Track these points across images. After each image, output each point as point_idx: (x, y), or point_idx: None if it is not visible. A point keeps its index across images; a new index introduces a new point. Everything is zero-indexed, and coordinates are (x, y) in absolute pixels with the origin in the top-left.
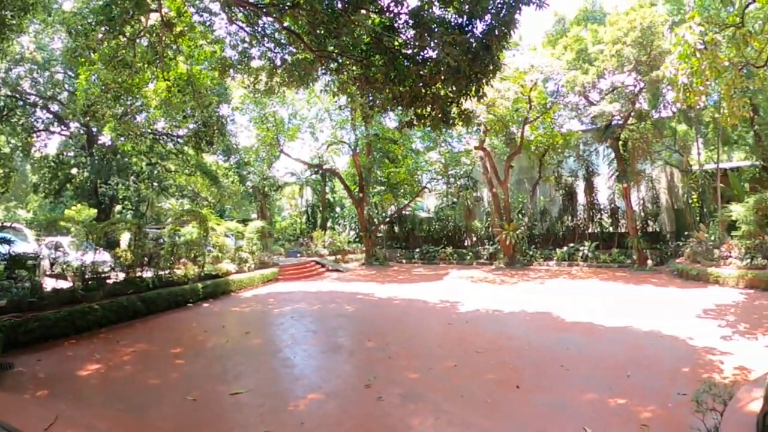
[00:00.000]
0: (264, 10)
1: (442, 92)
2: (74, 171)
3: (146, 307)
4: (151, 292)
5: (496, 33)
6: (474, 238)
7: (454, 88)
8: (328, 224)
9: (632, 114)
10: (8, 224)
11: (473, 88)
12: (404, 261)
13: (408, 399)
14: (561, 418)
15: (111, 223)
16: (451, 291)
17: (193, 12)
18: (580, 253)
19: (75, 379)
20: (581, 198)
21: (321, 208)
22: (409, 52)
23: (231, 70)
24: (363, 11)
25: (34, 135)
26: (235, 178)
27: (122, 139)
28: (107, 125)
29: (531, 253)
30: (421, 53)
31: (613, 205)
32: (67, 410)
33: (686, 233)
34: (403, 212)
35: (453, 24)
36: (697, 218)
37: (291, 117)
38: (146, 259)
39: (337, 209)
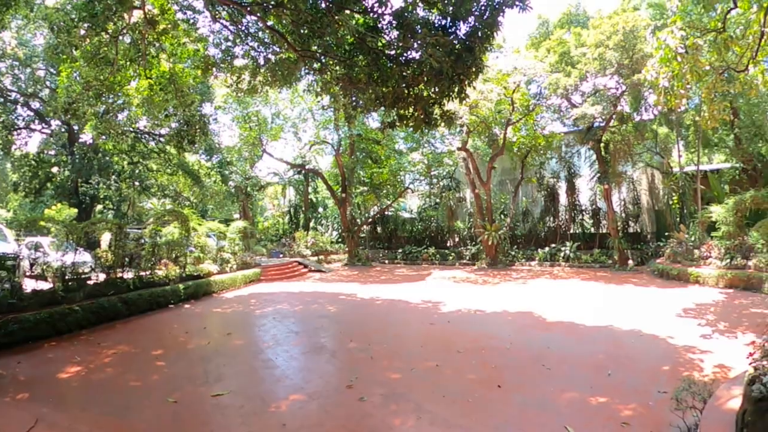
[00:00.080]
0: (248, 8)
1: (425, 93)
2: (55, 170)
3: (127, 309)
4: (132, 293)
5: (480, 35)
6: (456, 239)
7: (437, 89)
8: (311, 224)
9: (614, 116)
10: None
11: (456, 90)
12: (387, 261)
13: (390, 399)
14: (542, 417)
15: (91, 222)
16: (433, 291)
17: (177, 9)
18: (562, 254)
19: (55, 382)
20: (563, 199)
21: (304, 209)
22: (393, 52)
23: (214, 69)
24: (347, 11)
25: (15, 133)
26: (218, 177)
27: (103, 137)
28: (88, 123)
29: (513, 253)
30: (405, 54)
31: (594, 206)
32: (48, 413)
33: (667, 234)
34: (386, 213)
35: (436, 25)
36: (678, 219)
37: (274, 116)
38: (127, 259)
39: (320, 209)
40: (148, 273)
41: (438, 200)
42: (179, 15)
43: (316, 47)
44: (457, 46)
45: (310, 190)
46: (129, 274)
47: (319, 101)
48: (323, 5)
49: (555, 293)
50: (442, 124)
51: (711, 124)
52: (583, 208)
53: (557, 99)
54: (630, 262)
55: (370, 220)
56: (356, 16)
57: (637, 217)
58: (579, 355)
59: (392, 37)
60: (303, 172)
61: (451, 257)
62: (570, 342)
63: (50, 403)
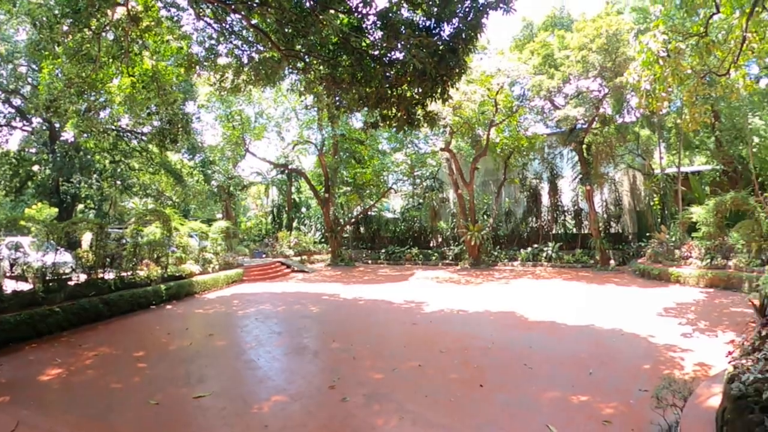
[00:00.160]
0: (232, 6)
1: (408, 94)
2: (36, 168)
3: (108, 310)
4: (114, 294)
5: (463, 36)
6: (439, 239)
7: (420, 90)
8: (294, 224)
9: (596, 118)
10: None
11: (439, 90)
12: (370, 261)
13: (372, 399)
14: (524, 416)
15: (72, 222)
16: (416, 291)
17: (161, 6)
18: (544, 254)
19: (37, 385)
20: (545, 200)
21: (287, 209)
22: (376, 53)
23: (197, 67)
24: (331, 11)
25: None
26: (200, 177)
27: (85, 135)
28: (70, 121)
29: (496, 253)
30: (388, 54)
31: (576, 207)
32: (29, 416)
33: (648, 234)
34: (369, 213)
35: (421, 26)
36: (659, 220)
37: (257, 116)
38: (108, 260)
39: (303, 209)
40: (129, 273)
41: (421, 200)
42: (163, 12)
43: (300, 46)
44: (440, 47)
45: (293, 190)
46: (110, 275)
47: (302, 101)
48: (307, 4)
49: (537, 293)
50: (425, 124)
51: (692, 126)
52: (566, 208)
53: (540, 101)
54: (612, 262)
55: (354, 220)
56: (340, 15)
57: (619, 218)
58: (561, 354)
59: (376, 37)
60: (286, 171)
61: (434, 257)
62: (552, 341)
63: (31, 406)
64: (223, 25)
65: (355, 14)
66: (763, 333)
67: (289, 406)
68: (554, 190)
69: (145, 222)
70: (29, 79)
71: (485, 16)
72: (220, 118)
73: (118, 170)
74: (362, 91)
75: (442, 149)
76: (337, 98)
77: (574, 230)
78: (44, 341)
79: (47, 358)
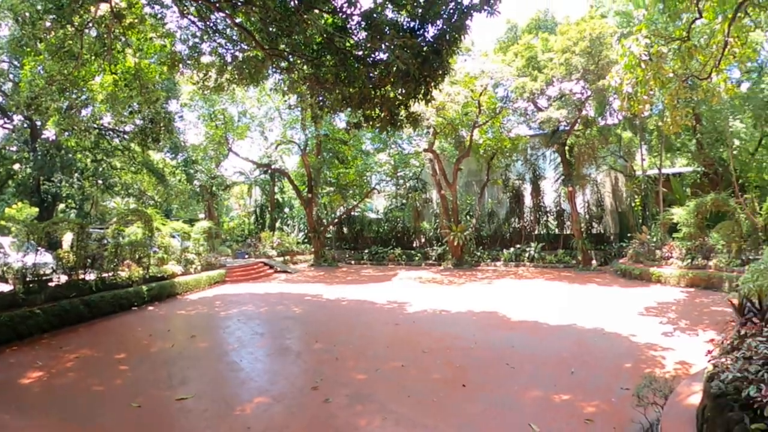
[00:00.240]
0: (216, 4)
1: (391, 94)
2: (16, 167)
3: (90, 311)
4: (95, 295)
5: (447, 38)
6: (422, 240)
7: (403, 91)
8: (277, 225)
9: (579, 120)
10: None
11: (422, 91)
12: (353, 262)
13: (355, 400)
14: (507, 415)
15: (53, 222)
16: (399, 292)
17: (145, 3)
18: (527, 254)
19: (17, 388)
20: (528, 200)
21: (270, 209)
22: (360, 53)
23: (180, 65)
24: (316, 10)
25: None
26: (183, 176)
27: (67, 133)
28: (51, 119)
29: (479, 254)
30: (372, 55)
31: (558, 208)
32: (9, 420)
33: (629, 235)
34: (353, 213)
35: (405, 27)
36: (640, 221)
37: (240, 115)
38: (89, 260)
39: (286, 210)
40: (110, 274)
41: (404, 201)
42: (147, 9)
43: (284, 46)
44: (424, 49)
45: (276, 190)
46: (91, 276)
47: (286, 100)
48: (292, 4)
49: (519, 293)
50: (408, 125)
51: (673, 129)
52: (548, 209)
53: (523, 102)
54: (593, 262)
55: (337, 220)
56: (325, 15)
57: (601, 219)
58: (543, 353)
59: (360, 37)
60: (269, 171)
61: (417, 258)
62: (534, 341)
63: (11, 410)
64: (207, 23)
65: (340, 14)
66: (742, 332)
67: (271, 408)
68: (537, 191)
69: (126, 222)
70: (11, 76)
71: (469, 17)
72: (203, 117)
73: (100, 169)
74: (346, 91)
75: (425, 150)
76: (320, 98)
77: (557, 231)
78: (25, 343)
79: (28, 361)
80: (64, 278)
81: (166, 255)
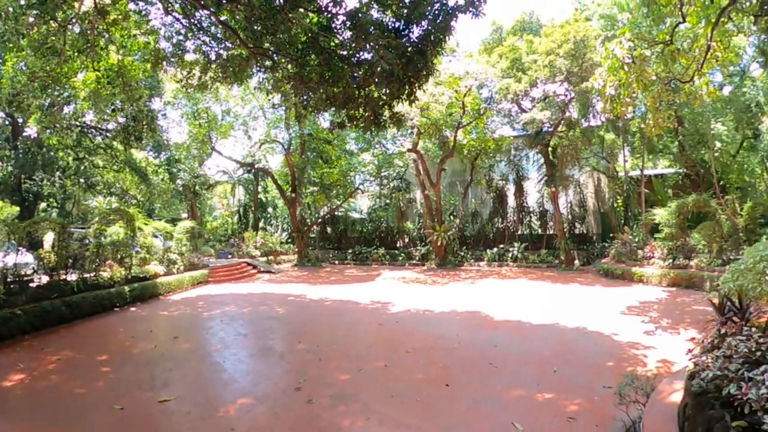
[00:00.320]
0: (201, 2)
1: (375, 94)
2: None
3: (71, 312)
4: (76, 296)
5: (432, 38)
6: (406, 239)
7: (387, 91)
8: (260, 225)
9: (562, 122)
10: None
11: (406, 92)
12: (337, 262)
13: (339, 400)
14: (490, 415)
15: (34, 222)
16: (382, 292)
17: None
18: (510, 254)
19: None
20: (511, 201)
21: (253, 208)
22: (345, 53)
23: (164, 63)
24: (301, 9)
25: None
26: (165, 175)
27: (49, 131)
28: (33, 116)
29: (462, 253)
30: (357, 55)
31: (542, 208)
32: None
33: (612, 235)
34: (336, 213)
35: (390, 27)
36: (622, 221)
37: (224, 114)
38: (71, 260)
39: (270, 209)
40: (92, 275)
41: (388, 201)
42: (131, 5)
43: (268, 44)
44: (409, 49)
45: (259, 189)
46: (73, 276)
47: (270, 99)
48: (277, 2)
49: (503, 293)
50: (392, 125)
51: (656, 131)
52: (531, 209)
53: (507, 104)
54: (576, 262)
55: (320, 220)
56: (310, 14)
57: (583, 219)
58: (526, 353)
59: (345, 37)
60: (253, 171)
61: (400, 258)
62: (517, 340)
63: None
64: (192, 20)
65: (325, 13)
66: (723, 331)
67: (255, 409)
68: (520, 192)
69: (108, 221)
70: None
71: (454, 19)
72: (187, 115)
73: (82, 168)
74: (330, 90)
75: (409, 150)
76: (304, 97)
77: (540, 231)
78: (6, 345)
79: (9, 363)
80: (45, 279)
81: (148, 255)
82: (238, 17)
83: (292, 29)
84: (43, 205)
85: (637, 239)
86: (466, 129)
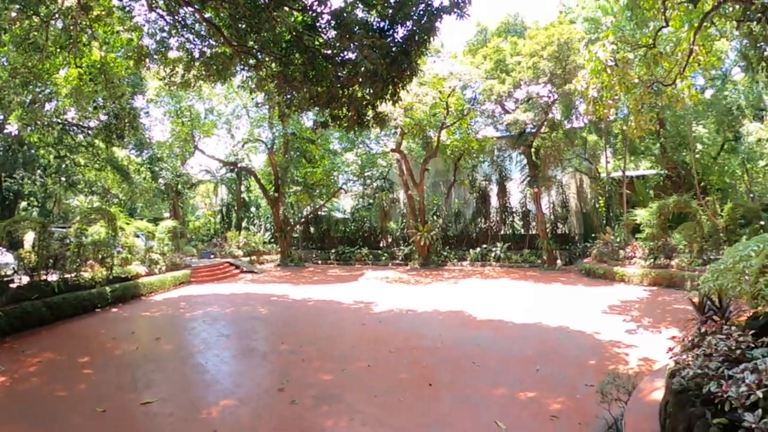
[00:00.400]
0: None
1: (359, 94)
2: None
3: (52, 313)
4: (57, 297)
5: (416, 39)
6: (389, 239)
7: (371, 91)
8: (243, 224)
9: (545, 123)
10: None
11: (389, 92)
12: (320, 262)
13: (322, 401)
14: (473, 413)
15: (14, 221)
16: (365, 292)
17: None
18: (493, 254)
19: None
20: (494, 201)
21: (236, 208)
22: (329, 52)
23: (147, 60)
24: (286, 8)
25: None
26: (147, 174)
27: (29, 129)
28: (14, 113)
29: (445, 253)
30: (341, 54)
31: (524, 209)
32: None
33: (593, 235)
34: (319, 213)
35: (374, 27)
36: (604, 221)
37: (207, 112)
38: (51, 261)
39: (253, 209)
40: (73, 275)
41: (371, 201)
42: (115, 1)
43: (252, 43)
44: (393, 49)
45: (242, 188)
46: (54, 277)
47: (253, 98)
48: (262, 0)
49: (485, 292)
50: (375, 125)
51: (638, 133)
52: (514, 210)
53: (491, 104)
54: (558, 261)
55: (303, 220)
56: (295, 13)
57: (566, 219)
58: (508, 352)
59: (329, 36)
60: (236, 170)
61: (383, 257)
62: (500, 340)
63: None
64: (176, 17)
65: (310, 12)
66: (703, 330)
67: (237, 410)
68: (503, 192)
69: (89, 221)
70: None
71: (439, 19)
72: (170, 113)
73: (63, 166)
74: (313, 90)
75: (392, 150)
76: (288, 96)
77: (522, 231)
78: None
79: None
80: (25, 279)
81: (130, 255)
82: (222, 15)
83: (277, 28)
84: (23, 204)
85: (618, 239)
86: (449, 129)
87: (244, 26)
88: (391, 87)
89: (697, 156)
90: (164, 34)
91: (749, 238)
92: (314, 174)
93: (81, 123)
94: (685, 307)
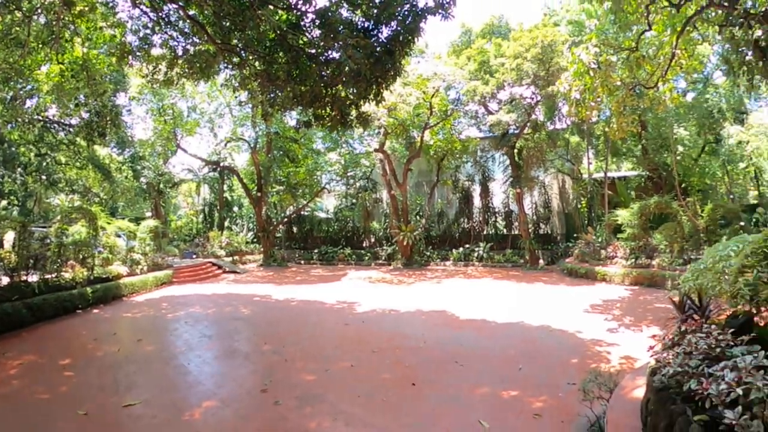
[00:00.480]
0: None
1: (342, 94)
2: None
3: (32, 315)
4: (38, 298)
5: (401, 39)
6: (372, 239)
7: (355, 91)
8: (226, 224)
9: (528, 124)
10: None
11: (373, 92)
12: (303, 262)
13: (305, 401)
14: (456, 413)
15: None
16: (348, 292)
17: None
18: (476, 254)
19: None
20: (477, 201)
21: (218, 207)
22: (313, 51)
23: (130, 57)
24: (270, 6)
25: None
26: (129, 173)
27: (10, 125)
28: None
29: (428, 253)
30: (325, 54)
31: (507, 209)
32: None
33: (575, 235)
34: (302, 212)
35: (359, 27)
36: (586, 222)
37: (190, 110)
38: (32, 261)
39: (235, 208)
40: (54, 276)
41: (354, 201)
42: None
43: (236, 41)
44: (377, 49)
45: (225, 188)
46: (34, 277)
47: (236, 97)
48: None
49: (468, 292)
50: (358, 125)
51: (620, 135)
52: (497, 210)
53: (474, 105)
54: (541, 261)
55: (286, 219)
56: (279, 12)
57: (548, 220)
58: (491, 351)
59: (314, 35)
60: (218, 169)
61: (367, 257)
62: (482, 339)
63: None
64: (159, 14)
65: (294, 11)
66: (683, 328)
67: (220, 411)
68: (486, 192)
69: (70, 220)
70: None
71: (423, 20)
72: (152, 111)
73: (44, 164)
74: (297, 89)
75: (376, 150)
76: (271, 95)
77: (505, 231)
78: None
79: None
80: (5, 280)
81: (111, 255)
82: (206, 12)
83: (261, 26)
84: (3, 203)
85: (600, 239)
86: (433, 130)
87: (228, 24)
88: (374, 87)
89: (678, 158)
90: (148, 31)
91: (729, 239)
92: (297, 173)
93: (62, 120)
94: (665, 306)
